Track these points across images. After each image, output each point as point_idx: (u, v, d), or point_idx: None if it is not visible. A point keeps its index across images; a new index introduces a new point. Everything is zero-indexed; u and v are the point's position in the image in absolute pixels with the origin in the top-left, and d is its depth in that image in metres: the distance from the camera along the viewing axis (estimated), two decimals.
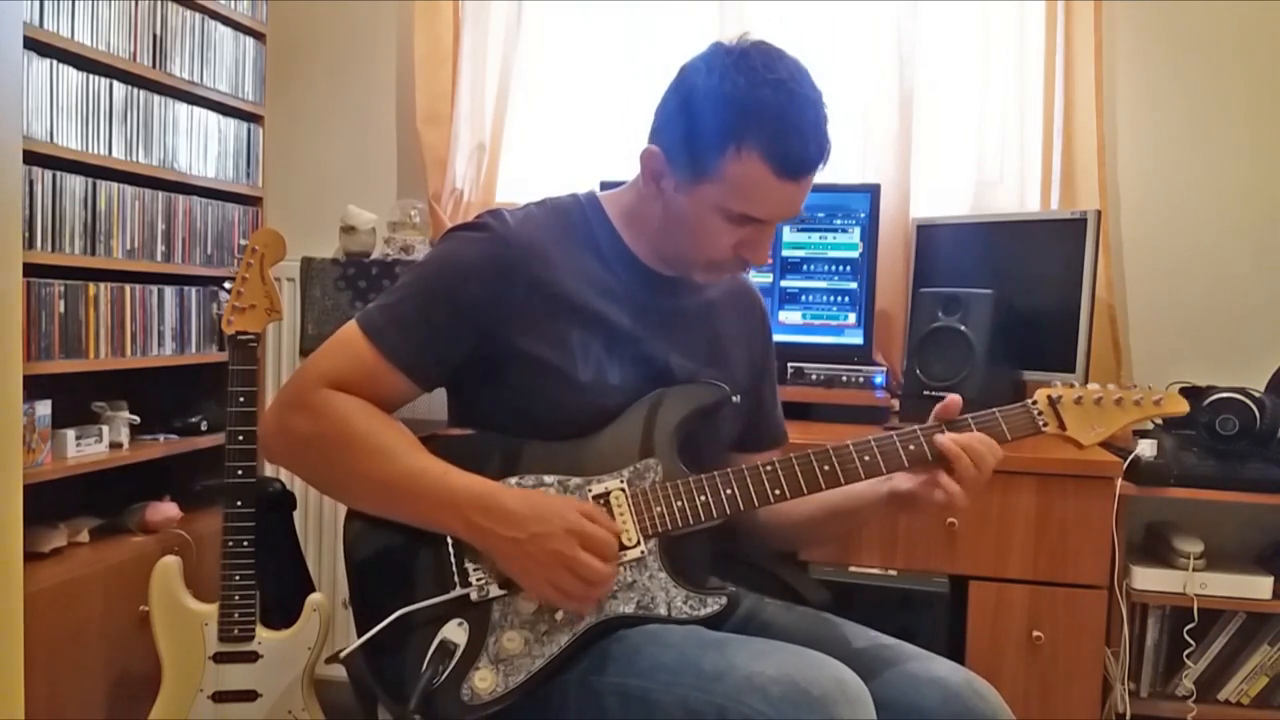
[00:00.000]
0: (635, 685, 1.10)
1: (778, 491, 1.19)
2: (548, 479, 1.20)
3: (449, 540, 1.17)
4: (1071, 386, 1.26)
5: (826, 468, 1.20)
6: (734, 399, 1.29)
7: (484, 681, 1.11)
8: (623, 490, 1.19)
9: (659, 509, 1.18)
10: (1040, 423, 1.24)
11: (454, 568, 1.16)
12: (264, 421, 1.22)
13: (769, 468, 1.20)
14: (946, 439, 1.18)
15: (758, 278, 2.19)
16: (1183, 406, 1.27)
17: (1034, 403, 1.25)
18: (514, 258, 1.21)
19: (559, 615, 1.14)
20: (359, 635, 1.16)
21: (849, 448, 1.20)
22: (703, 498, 1.19)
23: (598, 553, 1.10)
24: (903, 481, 1.22)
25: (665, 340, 1.28)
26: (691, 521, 1.19)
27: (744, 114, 1.13)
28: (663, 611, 1.16)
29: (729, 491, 1.19)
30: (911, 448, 1.20)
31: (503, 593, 1.15)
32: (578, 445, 1.22)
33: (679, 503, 1.19)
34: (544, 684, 1.13)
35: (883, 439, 1.21)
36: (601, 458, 1.21)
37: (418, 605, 1.14)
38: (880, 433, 1.22)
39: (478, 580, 1.15)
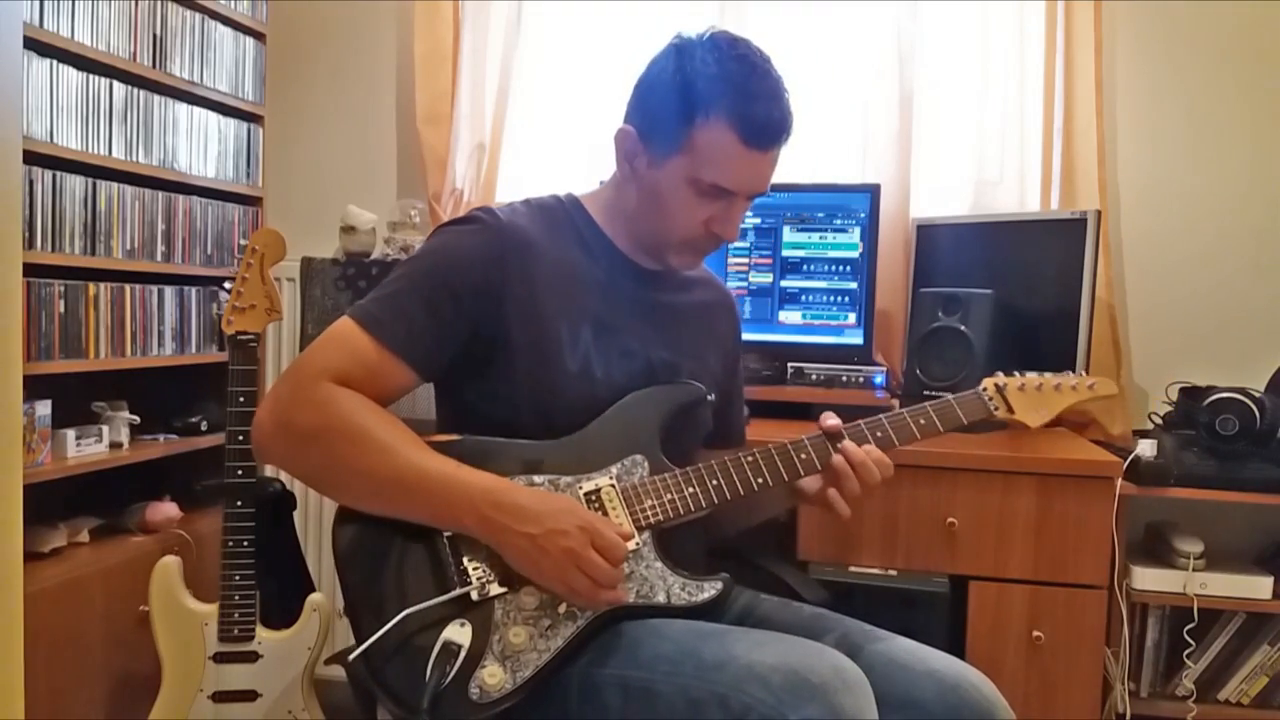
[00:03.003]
0: (636, 677, 1.11)
1: (760, 480, 1.24)
2: (537, 479, 1.21)
3: (445, 539, 1.16)
4: (1014, 375, 1.36)
5: (804, 456, 1.26)
6: (709, 397, 1.33)
7: (493, 678, 1.11)
8: (613, 486, 1.21)
9: (650, 502, 1.21)
10: (991, 407, 1.34)
11: (453, 567, 1.15)
12: (259, 418, 1.18)
13: (750, 458, 1.25)
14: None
15: (758, 278, 2.19)
16: (1112, 389, 1.38)
17: (984, 389, 1.35)
18: (506, 248, 1.24)
19: (561, 608, 1.15)
20: (357, 641, 1.14)
21: (822, 437, 1.26)
22: (690, 489, 1.22)
23: (607, 553, 1.10)
24: (810, 483, 1.29)
25: (647, 332, 1.32)
26: (682, 512, 1.21)
27: (711, 85, 1.20)
28: (662, 599, 1.18)
29: (715, 482, 1.23)
30: (878, 434, 1.27)
31: (503, 590, 1.15)
32: (564, 445, 1.23)
33: (668, 495, 1.22)
34: (547, 678, 1.13)
35: (851, 426, 1.28)
36: (588, 456, 1.23)
37: (421, 606, 1.13)
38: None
39: (478, 578, 1.15)
